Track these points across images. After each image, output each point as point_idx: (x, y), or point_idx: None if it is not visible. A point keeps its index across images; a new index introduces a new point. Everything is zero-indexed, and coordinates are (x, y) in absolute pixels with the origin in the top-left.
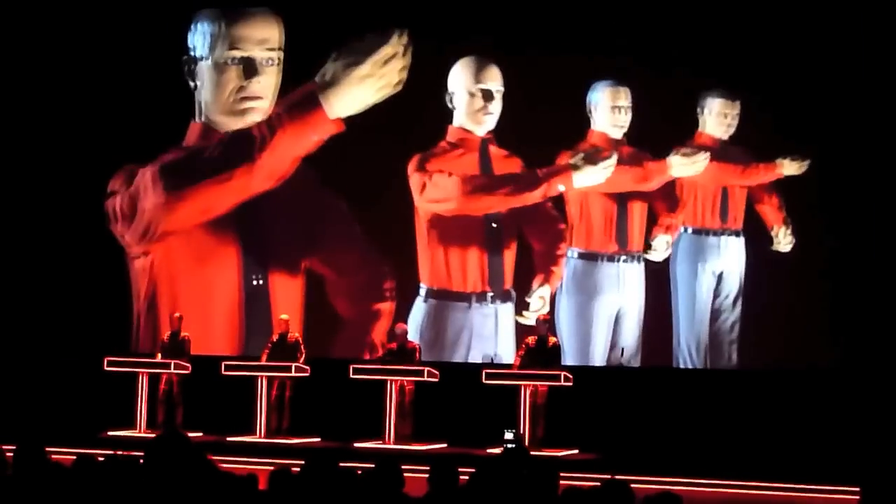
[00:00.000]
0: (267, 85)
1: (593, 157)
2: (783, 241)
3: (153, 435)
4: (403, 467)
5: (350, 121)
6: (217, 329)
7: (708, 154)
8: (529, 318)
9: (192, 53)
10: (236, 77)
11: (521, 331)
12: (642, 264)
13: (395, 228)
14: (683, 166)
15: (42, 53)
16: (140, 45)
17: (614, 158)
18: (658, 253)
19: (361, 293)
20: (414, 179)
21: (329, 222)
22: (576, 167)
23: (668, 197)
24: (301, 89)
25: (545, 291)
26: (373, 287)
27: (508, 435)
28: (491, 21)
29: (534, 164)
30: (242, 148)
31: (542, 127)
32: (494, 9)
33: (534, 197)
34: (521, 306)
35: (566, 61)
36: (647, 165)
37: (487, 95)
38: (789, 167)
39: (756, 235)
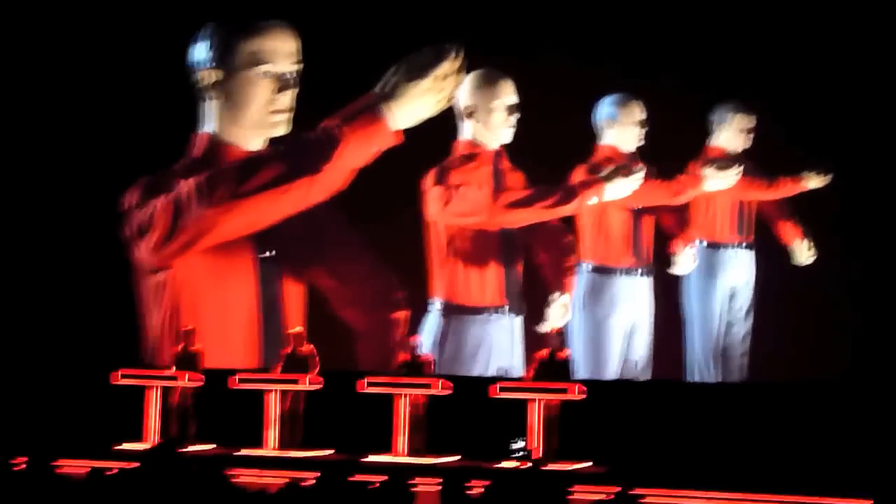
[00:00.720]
0: (292, 98)
1: (623, 170)
2: (805, 253)
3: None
4: (416, 480)
5: None
6: (237, 341)
7: (742, 167)
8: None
9: (209, 66)
10: (268, 91)
11: (532, 343)
12: (651, 277)
13: (399, 241)
14: (717, 179)
15: (42, 64)
16: (143, 57)
17: (643, 171)
18: (685, 266)
19: (373, 303)
20: (435, 192)
21: (330, 233)
22: (608, 179)
23: (674, 211)
24: (361, 101)
25: (566, 299)
26: (384, 297)
27: (519, 444)
28: (495, 33)
29: (541, 177)
30: (306, 159)
31: (551, 141)
32: (499, 21)
33: (567, 210)
34: (541, 316)
35: (572, 74)
36: (680, 179)
37: (511, 109)
38: (815, 180)
39: (767, 248)
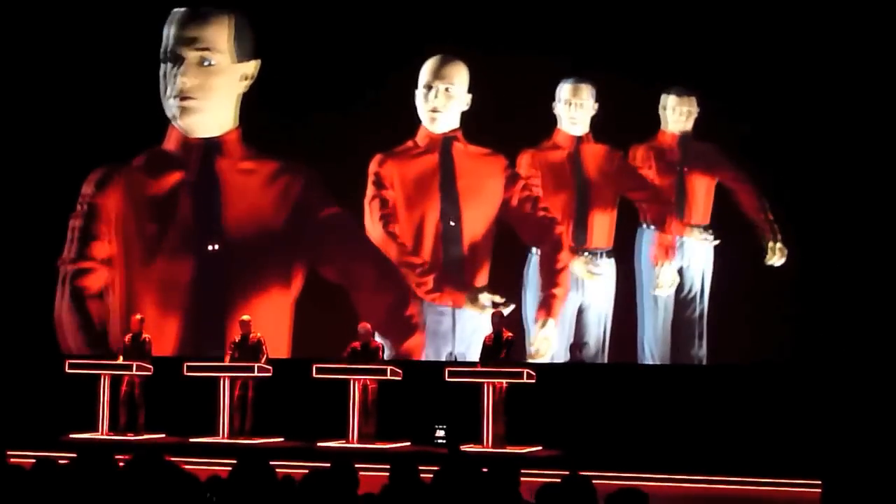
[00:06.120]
0: (200, 85)
1: (493, 303)
2: (777, 255)
3: (114, 438)
4: (365, 466)
5: (332, 118)
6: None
7: (718, 241)
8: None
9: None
10: (171, 75)
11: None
12: (611, 259)
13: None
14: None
15: (11, 56)
16: (115, 47)
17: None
18: (666, 288)
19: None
20: (370, 183)
21: (336, 233)
22: (471, 301)
23: (657, 199)
24: None
25: (550, 331)
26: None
27: (440, 432)
28: (462, 20)
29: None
30: None
31: (511, 125)
32: (466, 8)
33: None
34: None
35: (536, 60)
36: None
37: (436, 92)
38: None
39: (720, 232)
